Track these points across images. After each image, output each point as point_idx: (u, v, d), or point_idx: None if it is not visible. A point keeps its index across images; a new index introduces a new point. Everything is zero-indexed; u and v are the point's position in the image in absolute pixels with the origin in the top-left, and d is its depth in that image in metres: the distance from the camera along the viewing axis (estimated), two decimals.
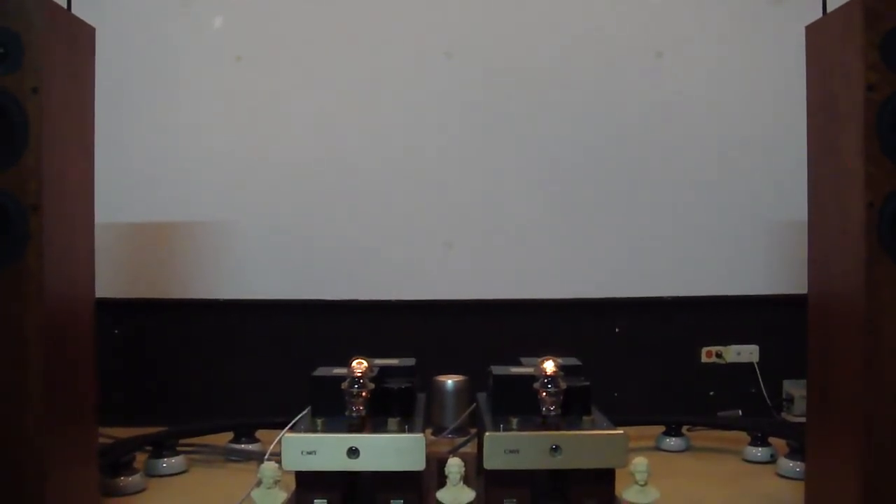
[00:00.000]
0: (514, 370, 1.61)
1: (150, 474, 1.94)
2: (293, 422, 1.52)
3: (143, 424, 2.14)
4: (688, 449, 2.19)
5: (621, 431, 1.44)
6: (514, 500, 1.44)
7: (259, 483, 1.42)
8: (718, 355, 2.51)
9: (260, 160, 2.47)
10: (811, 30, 1.61)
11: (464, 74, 2.48)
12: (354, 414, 1.46)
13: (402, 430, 1.44)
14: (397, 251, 2.49)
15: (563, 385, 1.47)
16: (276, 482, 1.41)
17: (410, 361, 1.72)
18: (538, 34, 2.48)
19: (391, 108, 2.49)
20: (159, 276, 2.50)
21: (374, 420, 1.48)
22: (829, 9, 1.55)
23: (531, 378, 1.49)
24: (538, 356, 1.51)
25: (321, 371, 1.59)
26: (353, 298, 2.47)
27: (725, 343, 2.51)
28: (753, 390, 2.49)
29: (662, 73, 2.49)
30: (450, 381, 2.05)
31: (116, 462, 1.83)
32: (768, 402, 2.48)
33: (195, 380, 2.46)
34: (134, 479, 1.84)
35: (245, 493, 1.53)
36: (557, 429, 1.44)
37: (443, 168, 2.50)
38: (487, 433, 1.44)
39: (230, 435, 2.15)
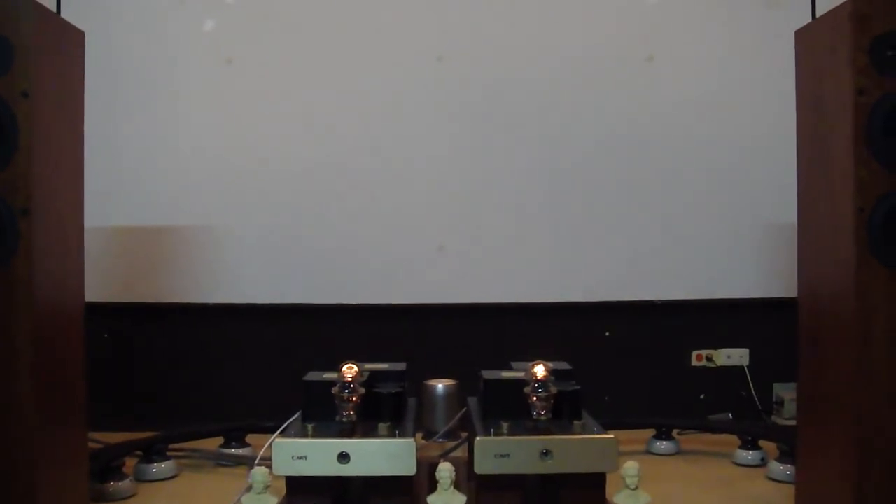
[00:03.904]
0: (505, 374, 1.62)
1: (140, 479, 1.93)
2: (283, 426, 1.52)
3: (133, 429, 2.14)
4: (678, 453, 2.19)
5: (611, 436, 1.45)
6: None
7: (249, 488, 1.42)
8: (709, 359, 2.52)
9: (251, 163, 2.47)
10: (801, 34, 1.62)
11: (455, 78, 2.48)
12: (345, 419, 1.46)
13: (392, 435, 1.44)
14: (389, 255, 2.49)
15: (554, 389, 1.47)
16: (267, 487, 1.41)
17: (401, 366, 1.72)
18: (529, 37, 2.48)
19: (383, 111, 2.49)
20: (150, 281, 2.49)
21: (364, 425, 1.48)
22: (819, 13, 1.56)
23: (522, 382, 1.49)
24: (529, 360, 1.51)
25: (312, 375, 1.59)
26: (344, 302, 2.47)
27: (716, 346, 2.52)
28: (744, 394, 2.50)
29: (654, 76, 2.49)
30: (440, 386, 2.05)
31: (106, 467, 1.83)
32: (758, 405, 2.49)
33: (185, 384, 2.45)
34: (123, 485, 1.83)
35: (235, 497, 1.53)
36: (548, 433, 1.44)
37: (434, 171, 2.50)
38: (478, 437, 1.44)
39: (220, 439, 2.14)
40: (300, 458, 1.41)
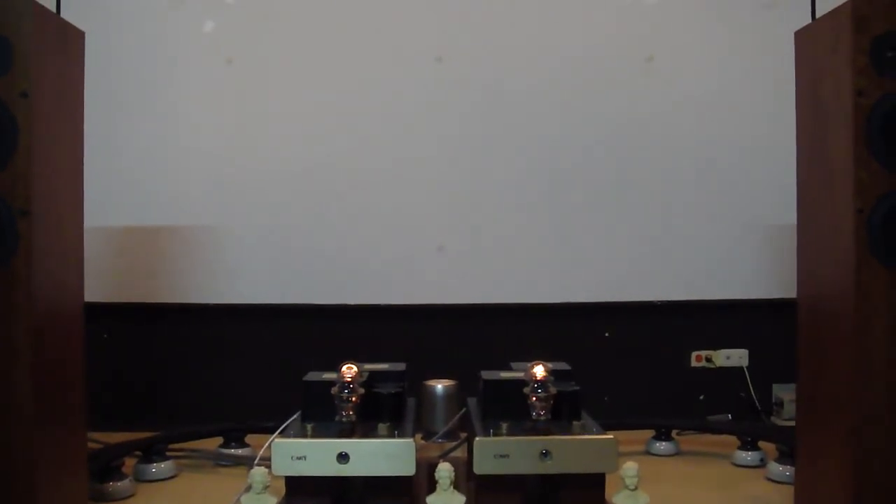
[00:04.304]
0: (504, 375, 1.61)
1: (140, 479, 1.93)
2: (283, 426, 1.51)
3: (133, 429, 2.14)
4: (678, 453, 2.19)
5: (611, 436, 1.44)
6: None
7: (249, 488, 1.42)
8: (708, 359, 2.52)
9: (251, 164, 2.47)
10: (800, 35, 1.61)
11: (454, 78, 2.48)
12: (344, 419, 1.45)
13: (391, 435, 1.44)
14: (388, 255, 2.49)
15: (553, 390, 1.47)
16: (266, 487, 1.41)
17: (400, 366, 1.72)
18: (529, 37, 2.48)
19: (382, 111, 2.49)
20: (150, 281, 2.49)
21: (364, 425, 1.48)
22: (819, 13, 1.56)
23: (521, 383, 1.49)
24: (528, 361, 1.51)
25: (311, 376, 1.59)
26: (343, 303, 2.47)
27: (715, 347, 2.52)
28: (743, 394, 2.50)
29: (654, 76, 2.49)
30: (440, 386, 2.04)
31: (106, 467, 1.83)
32: (758, 406, 2.48)
33: (185, 384, 2.45)
34: (123, 485, 1.83)
35: (235, 498, 1.53)
36: (547, 434, 1.44)
37: (434, 171, 2.49)
38: (477, 438, 1.43)
39: (220, 439, 2.14)
40: (299, 458, 1.41)
